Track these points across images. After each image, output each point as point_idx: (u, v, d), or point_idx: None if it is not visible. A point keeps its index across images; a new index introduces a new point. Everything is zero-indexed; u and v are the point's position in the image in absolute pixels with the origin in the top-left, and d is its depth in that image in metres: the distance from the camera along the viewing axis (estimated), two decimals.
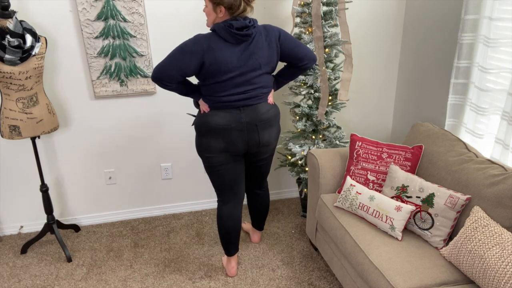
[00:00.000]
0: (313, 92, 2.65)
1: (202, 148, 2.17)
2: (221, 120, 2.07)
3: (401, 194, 2.10)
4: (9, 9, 2.16)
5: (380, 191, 2.27)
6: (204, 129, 2.11)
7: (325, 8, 2.55)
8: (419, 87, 2.88)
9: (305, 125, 2.71)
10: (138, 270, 2.54)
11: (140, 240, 2.83)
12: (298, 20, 2.75)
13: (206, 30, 2.71)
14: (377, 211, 2.04)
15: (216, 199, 3.03)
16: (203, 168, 3.07)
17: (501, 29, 2.12)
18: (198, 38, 1.95)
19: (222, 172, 2.21)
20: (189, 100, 2.87)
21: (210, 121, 2.08)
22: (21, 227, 2.94)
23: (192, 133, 2.96)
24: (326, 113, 2.71)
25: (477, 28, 2.21)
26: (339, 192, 2.38)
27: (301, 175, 2.78)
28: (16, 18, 2.18)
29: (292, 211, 3.14)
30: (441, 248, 1.92)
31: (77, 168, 2.87)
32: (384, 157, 2.30)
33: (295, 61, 2.12)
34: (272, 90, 2.23)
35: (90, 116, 2.76)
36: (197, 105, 2.22)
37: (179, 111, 2.88)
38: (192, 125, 2.32)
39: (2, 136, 2.38)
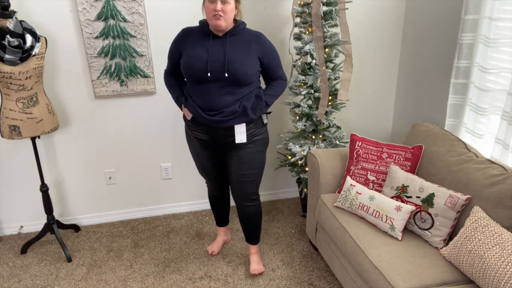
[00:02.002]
0: (313, 92, 2.65)
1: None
2: None
3: (401, 194, 2.10)
4: (9, 9, 2.16)
5: (380, 191, 2.27)
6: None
7: (325, 8, 2.55)
8: (419, 87, 2.88)
9: (305, 125, 2.71)
10: (138, 270, 2.54)
11: (140, 240, 2.83)
12: (298, 20, 2.75)
13: None
14: (377, 211, 2.04)
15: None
16: None
17: (501, 29, 2.12)
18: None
19: None
20: None
21: None
22: (21, 227, 2.94)
23: None
24: (326, 113, 2.71)
25: (477, 28, 2.21)
26: (339, 192, 2.38)
27: (301, 175, 2.78)
28: (16, 18, 2.18)
29: (292, 211, 3.14)
30: (441, 248, 1.92)
31: (77, 168, 2.87)
32: (384, 157, 2.30)
33: None
34: None
35: (90, 116, 2.76)
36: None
37: (179, 111, 2.88)
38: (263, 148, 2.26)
39: (2, 136, 2.38)
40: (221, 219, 2.64)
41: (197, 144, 2.25)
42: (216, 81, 2.01)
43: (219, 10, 1.91)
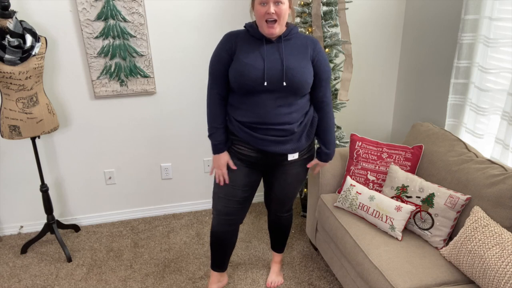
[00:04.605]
0: None
1: None
2: None
3: (401, 194, 2.10)
4: (9, 9, 2.16)
5: (380, 191, 2.27)
6: None
7: (325, 8, 2.55)
8: (419, 87, 2.88)
9: None
10: (138, 270, 2.54)
11: (140, 240, 2.83)
12: (298, 20, 2.74)
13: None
14: (377, 211, 2.04)
15: None
16: (204, 169, 3.08)
17: (501, 29, 2.12)
18: None
19: None
20: (192, 102, 2.87)
21: None
22: (21, 227, 2.94)
23: (192, 133, 2.96)
24: None
25: (477, 28, 2.21)
26: (339, 192, 2.38)
27: None
28: (16, 18, 2.18)
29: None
30: (441, 248, 1.92)
31: (77, 168, 2.87)
32: (384, 157, 2.30)
33: None
34: None
35: (90, 116, 2.76)
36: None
37: (179, 111, 2.88)
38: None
39: (2, 136, 2.38)
40: (222, 262, 2.18)
41: (237, 160, 1.95)
42: (272, 92, 1.78)
43: (272, 13, 1.68)
